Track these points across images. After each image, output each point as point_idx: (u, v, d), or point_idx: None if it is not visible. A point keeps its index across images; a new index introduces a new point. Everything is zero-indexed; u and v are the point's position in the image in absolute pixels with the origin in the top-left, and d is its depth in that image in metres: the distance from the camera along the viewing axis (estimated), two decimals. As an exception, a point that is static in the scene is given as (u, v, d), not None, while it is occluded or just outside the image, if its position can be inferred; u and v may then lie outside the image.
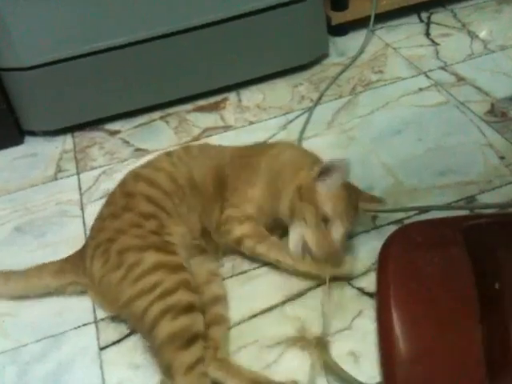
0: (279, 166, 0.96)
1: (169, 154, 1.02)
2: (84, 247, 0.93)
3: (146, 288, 0.81)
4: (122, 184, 0.97)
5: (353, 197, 0.91)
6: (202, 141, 1.28)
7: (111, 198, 0.97)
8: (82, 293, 0.93)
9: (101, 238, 0.89)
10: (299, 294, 0.92)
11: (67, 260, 0.93)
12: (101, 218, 0.94)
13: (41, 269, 0.92)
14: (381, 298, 0.87)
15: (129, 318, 0.86)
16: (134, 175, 0.98)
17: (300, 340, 0.84)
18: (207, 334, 0.82)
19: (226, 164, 0.98)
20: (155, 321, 0.78)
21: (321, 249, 0.88)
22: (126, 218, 0.89)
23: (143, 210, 0.90)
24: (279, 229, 0.96)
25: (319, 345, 0.82)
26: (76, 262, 0.92)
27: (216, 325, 0.84)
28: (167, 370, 0.76)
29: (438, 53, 1.49)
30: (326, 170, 0.88)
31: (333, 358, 0.80)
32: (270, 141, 1.25)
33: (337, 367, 0.78)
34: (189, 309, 0.80)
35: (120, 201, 0.93)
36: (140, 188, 0.93)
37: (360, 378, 0.79)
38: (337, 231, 0.88)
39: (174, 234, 0.90)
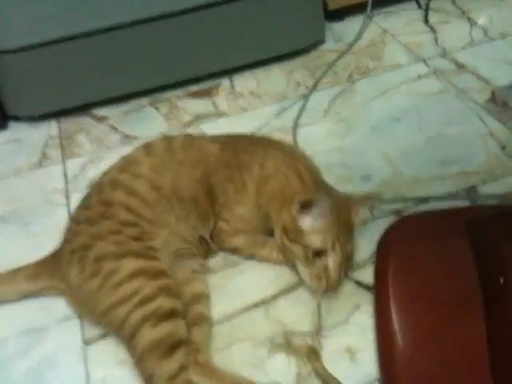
0: (267, 193, 0.90)
1: (148, 153, 0.93)
2: (59, 250, 0.88)
3: (126, 295, 0.77)
4: (98, 189, 0.91)
5: (343, 215, 0.85)
6: (194, 128, 1.24)
7: (87, 202, 0.91)
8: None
9: (76, 242, 0.85)
10: (293, 287, 0.89)
11: (42, 263, 0.89)
12: (76, 221, 0.89)
13: (14, 274, 0.88)
14: (379, 291, 0.84)
15: (109, 327, 0.81)
16: (111, 182, 0.90)
17: (286, 347, 0.81)
18: (189, 337, 0.79)
19: (211, 171, 0.92)
20: (135, 329, 0.75)
21: (319, 287, 0.84)
22: (104, 225, 0.84)
23: (123, 218, 0.85)
24: None
25: (311, 354, 0.79)
26: (51, 265, 0.87)
27: (197, 326, 0.81)
28: (149, 381, 0.73)
29: (437, 40, 1.46)
30: (306, 204, 0.82)
31: (327, 369, 0.77)
32: (264, 130, 1.21)
33: (332, 379, 0.75)
34: (170, 315, 0.76)
35: (97, 208, 0.87)
36: (118, 197, 0.87)
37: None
38: (332, 262, 0.82)
39: (158, 238, 0.86)
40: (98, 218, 0.85)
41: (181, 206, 0.89)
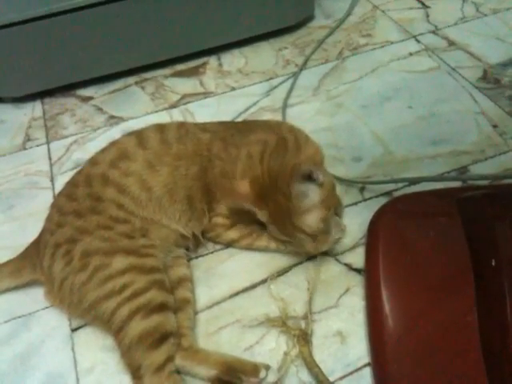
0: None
1: (141, 144, 0.87)
2: (41, 241, 0.85)
3: (115, 289, 0.75)
4: (87, 181, 0.86)
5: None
6: (181, 108, 1.21)
7: (74, 192, 0.86)
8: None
9: (61, 235, 0.81)
10: (283, 271, 0.88)
11: (23, 257, 0.87)
12: (61, 211, 0.85)
13: None
14: (370, 274, 0.84)
15: (95, 320, 0.79)
16: (102, 177, 0.85)
17: (281, 324, 0.80)
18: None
19: (206, 166, 0.87)
20: (125, 321, 0.74)
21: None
22: (92, 219, 0.81)
23: (114, 214, 0.82)
24: None
25: (301, 338, 0.78)
26: (33, 258, 0.85)
27: (180, 310, 0.80)
28: (136, 372, 0.72)
29: (428, 16, 1.44)
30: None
31: (312, 356, 0.76)
32: (253, 109, 1.19)
33: (315, 368, 0.75)
34: (161, 308, 0.75)
35: (85, 201, 0.83)
36: (109, 194, 0.83)
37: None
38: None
39: (152, 235, 0.83)
40: (86, 212, 0.82)
41: (173, 208, 0.86)
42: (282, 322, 0.80)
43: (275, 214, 0.81)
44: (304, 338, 0.78)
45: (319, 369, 0.74)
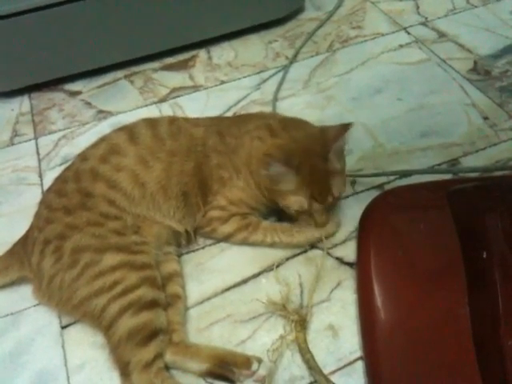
0: (254, 165, 0.86)
1: (132, 140, 0.87)
2: (29, 237, 0.84)
3: (106, 286, 0.75)
4: (76, 176, 0.85)
5: (318, 162, 0.81)
6: (170, 102, 1.21)
7: (63, 188, 0.85)
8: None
9: (51, 231, 0.81)
10: (274, 266, 0.87)
11: (10, 254, 0.86)
12: (50, 207, 0.84)
13: None
14: (361, 267, 0.84)
15: (84, 317, 0.79)
16: (92, 171, 0.84)
17: (281, 308, 0.80)
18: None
19: (201, 161, 0.87)
20: (114, 318, 0.74)
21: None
22: (82, 216, 0.80)
23: (104, 211, 0.81)
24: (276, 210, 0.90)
25: (298, 324, 0.78)
26: (20, 255, 0.84)
27: (171, 305, 0.80)
28: (124, 368, 0.72)
29: (418, 7, 1.44)
30: (266, 164, 0.80)
31: (307, 343, 0.76)
32: (243, 103, 1.18)
33: (307, 354, 0.75)
34: (151, 305, 0.75)
35: (75, 196, 0.83)
36: (99, 189, 0.83)
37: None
38: (315, 215, 0.85)
39: (144, 232, 0.83)
40: (76, 208, 0.81)
41: (168, 204, 0.85)
42: (282, 306, 0.80)
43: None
44: (301, 324, 0.78)
45: (311, 355, 0.74)
